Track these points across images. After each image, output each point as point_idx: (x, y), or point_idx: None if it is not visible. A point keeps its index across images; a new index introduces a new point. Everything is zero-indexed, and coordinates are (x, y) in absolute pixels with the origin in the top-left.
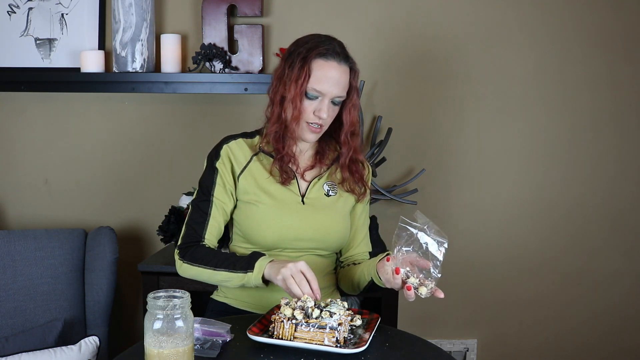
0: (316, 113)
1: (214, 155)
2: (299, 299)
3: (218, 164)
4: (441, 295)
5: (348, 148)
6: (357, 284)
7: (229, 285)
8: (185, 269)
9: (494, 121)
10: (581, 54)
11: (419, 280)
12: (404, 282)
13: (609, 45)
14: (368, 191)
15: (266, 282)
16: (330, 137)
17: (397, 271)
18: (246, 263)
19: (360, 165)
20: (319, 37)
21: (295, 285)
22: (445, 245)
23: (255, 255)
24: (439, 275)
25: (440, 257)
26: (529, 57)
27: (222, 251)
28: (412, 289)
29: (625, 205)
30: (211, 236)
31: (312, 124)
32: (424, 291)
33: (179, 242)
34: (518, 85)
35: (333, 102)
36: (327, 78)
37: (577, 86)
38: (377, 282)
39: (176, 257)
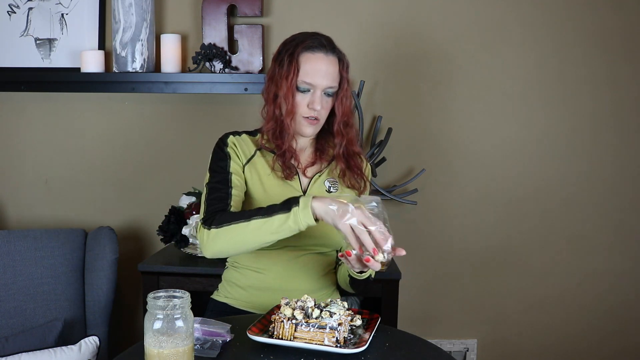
0: (310, 106)
1: (222, 144)
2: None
3: (228, 149)
4: (402, 252)
5: (342, 138)
6: (347, 281)
7: (265, 238)
8: (214, 236)
9: (494, 121)
10: (581, 54)
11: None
12: (359, 258)
13: (609, 45)
14: (368, 185)
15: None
16: (329, 134)
17: (348, 254)
18: (285, 204)
19: (358, 158)
20: (305, 33)
21: (368, 236)
22: (380, 206)
23: (292, 198)
24: (390, 233)
25: (383, 217)
26: (529, 57)
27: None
28: (371, 259)
29: (626, 205)
30: (235, 208)
31: (307, 117)
32: (380, 257)
33: (202, 217)
34: (518, 85)
35: (326, 94)
36: (315, 70)
37: (577, 86)
38: (352, 274)
39: (202, 230)
